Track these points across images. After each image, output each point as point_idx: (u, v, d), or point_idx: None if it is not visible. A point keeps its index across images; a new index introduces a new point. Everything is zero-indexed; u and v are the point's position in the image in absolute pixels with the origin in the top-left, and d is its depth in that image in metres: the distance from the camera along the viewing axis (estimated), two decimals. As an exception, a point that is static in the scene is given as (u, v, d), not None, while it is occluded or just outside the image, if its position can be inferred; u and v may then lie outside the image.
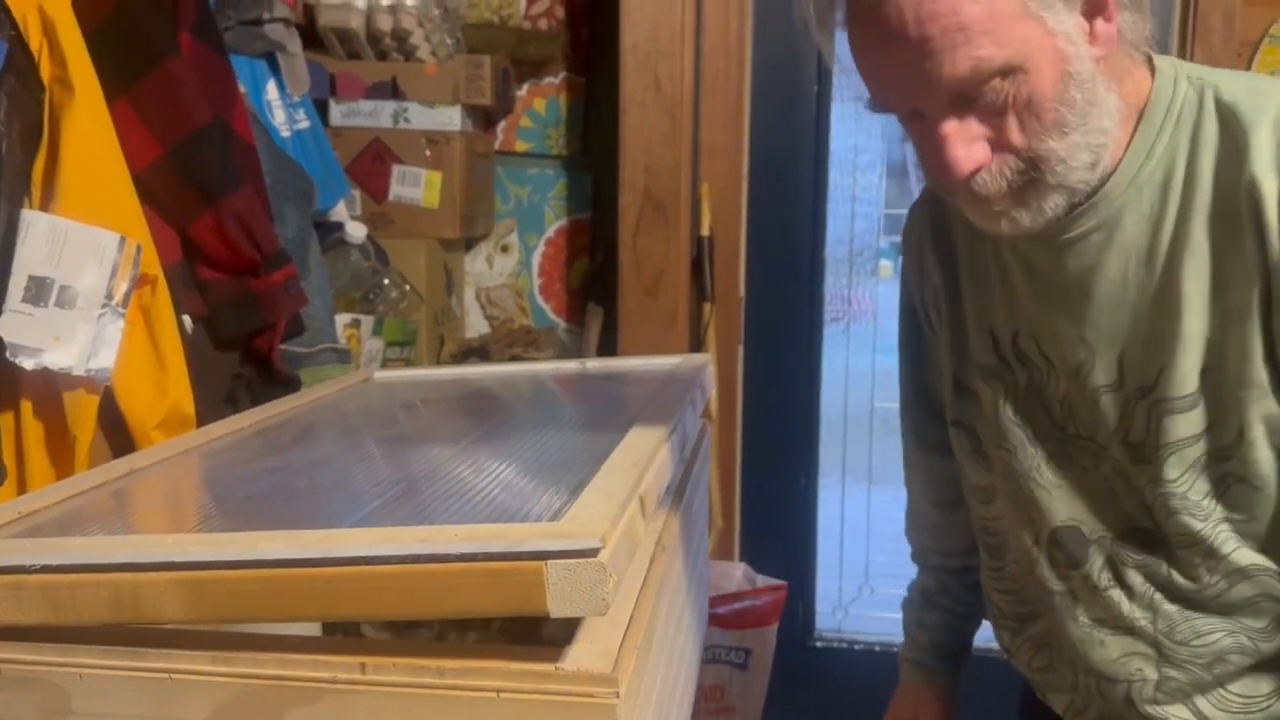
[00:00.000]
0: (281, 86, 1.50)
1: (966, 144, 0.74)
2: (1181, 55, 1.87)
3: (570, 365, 1.32)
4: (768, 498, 2.06)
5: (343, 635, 0.80)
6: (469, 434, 0.91)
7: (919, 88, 0.73)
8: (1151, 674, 0.86)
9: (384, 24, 1.72)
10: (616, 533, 0.56)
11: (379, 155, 1.77)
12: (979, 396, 0.93)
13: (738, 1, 1.90)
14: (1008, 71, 0.72)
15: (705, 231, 1.90)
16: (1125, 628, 0.86)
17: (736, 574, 1.80)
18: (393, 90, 1.77)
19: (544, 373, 1.30)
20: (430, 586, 0.53)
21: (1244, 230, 0.76)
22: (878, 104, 0.78)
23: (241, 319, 1.16)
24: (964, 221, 0.87)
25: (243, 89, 1.34)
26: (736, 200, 1.97)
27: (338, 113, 1.77)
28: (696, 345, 1.91)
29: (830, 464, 2.11)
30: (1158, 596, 0.85)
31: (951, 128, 0.74)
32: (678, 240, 1.83)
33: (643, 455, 0.72)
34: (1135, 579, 0.86)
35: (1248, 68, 1.85)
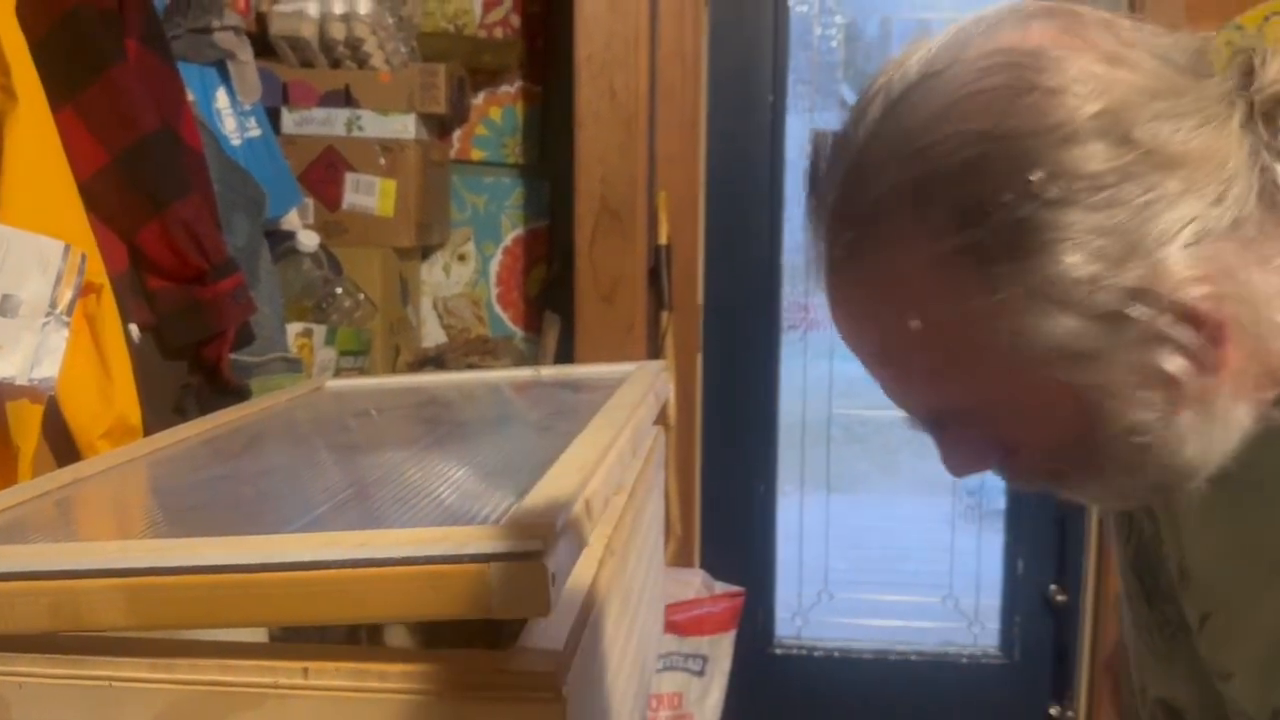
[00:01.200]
0: (232, 94, 1.49)
1: (961, 455, 0.61)
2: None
3: (524, 373, 1.33)
4: (727, 505, 2.07)
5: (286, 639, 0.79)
6: (419, 441, 0.91)
7: (898, 401, 0.62)
8: None
9: (337, 32, 1.71)
10: (560, 535, 0.57)
11: (332, 163, 1.76)
12: None
13: (693, 12, 1.92)
14: (982, 415, 0.57)
15: (663, 240, 1.91)
16: None
17: (695, 581, 1.80)
18: (346, 98, 1.76)
19: (498, 380, 1.30)
20: (373, 590, 0.53)
21: None
22: None
23: (189, 328, 1.15)
24: None
25: (192, 97, 1.33)
26: (693, 209, 1.99)
27: (290, 121, 1.76)
28: (654, 354, 1.92)
29: (789, 471, 2.13)
30: None
31: (941, 439, 0.61)
32: (635, 249, 1.84)
33: (590, 460, 0.73)
34: None
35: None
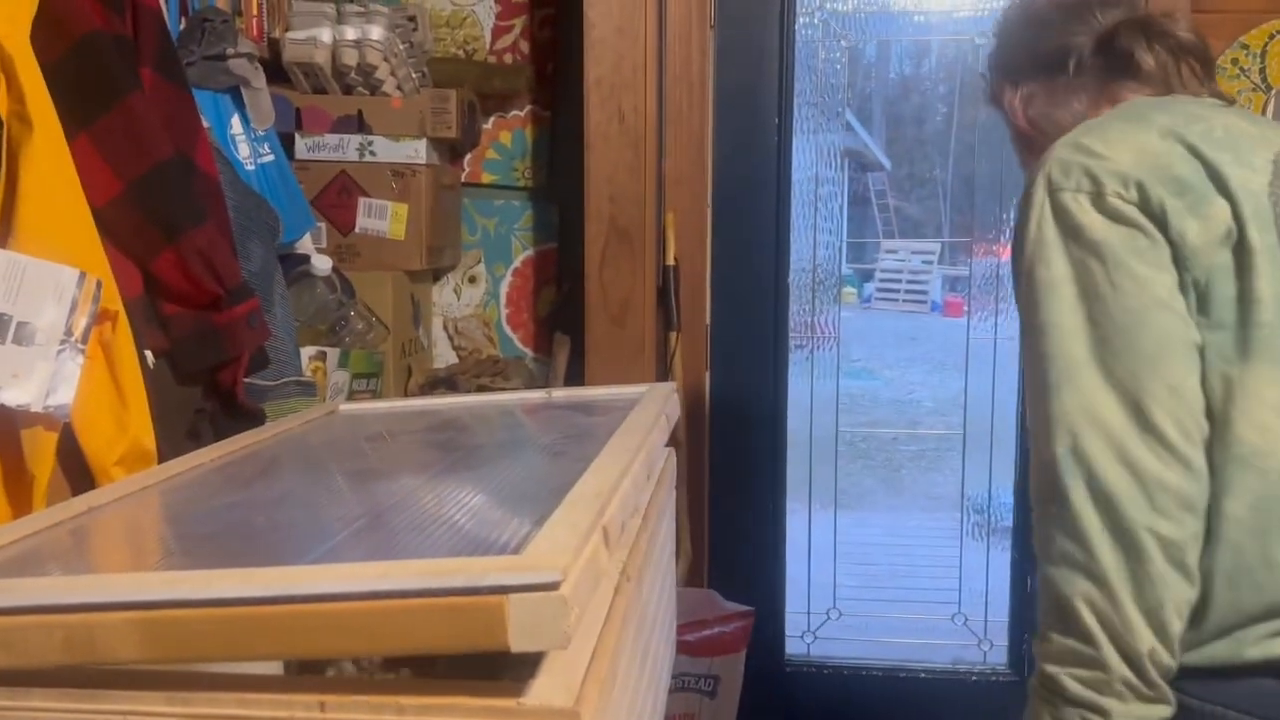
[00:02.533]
0: (246, 120, 1.50)
1: None
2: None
3: (536, 395, 1.33)
4: (736, 524, 2.06)
5: (301, 672, 0.79)
6: (433, 466, 0.91)
7: None
8: None
9: (349, 59, 1.73)
10: (578, 565, 0.56)
11: (345, 188, 1.77)
12: None
13: (700, 36, 1.93)
14: None
15: (670, 261, 1.92)
16: None
17: (705, 601, 1.80)
18: (359, 124, 1.77)
19: (510, 403, 1.30)
20: (389, 623, 0.53)
21: None
22: None
23: (204, 353, 1.15)
24: None
25: (206, 123, 1.34)
26: (701, 229, 1.99)
27: (303, 146, 1.78)
28: (663, 373, 1.92)
29: (796, 489, 2.12)
30: None
31: None
32: (643, 270, 1.85)
33: (606, 485, 0.73)
34: None
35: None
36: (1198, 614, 0.87)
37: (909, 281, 4.28)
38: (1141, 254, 0.88)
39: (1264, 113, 1.89)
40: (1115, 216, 0.89)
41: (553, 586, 0.53)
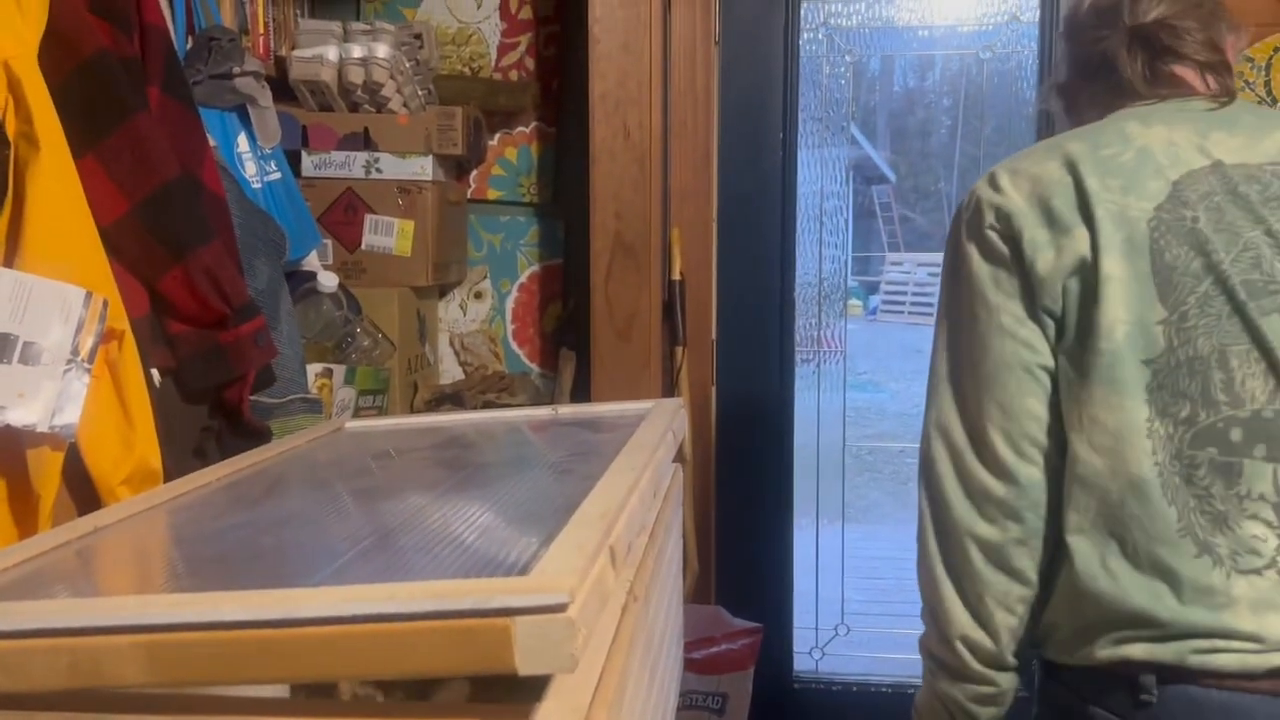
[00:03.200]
0: (252, 138, 1.51)
1: None
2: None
3: (542, 411, 1.32)
4: (743, 539, 2.06)
5: (308, 695, 0.79)
6: (439, 485, 0.91)
7: None
8: None
9: (356, 76, 1.73)
10: (585, 586, 0.56)
11: (351, 205, 1.78)
12: None
13: (704, 51, 1.94)
14: None
15: (676, 275, 1.92)
16: None
17: (713, 617, 1.79)
18: (365, 141, 1.78)
19: (516, 419, 1.30)
20: (394, 646, 0.53)
21: None
22: None
23: (210, 371, 1.15)
24: None
25: (213, 142, 1.34)
26: (706, 244, 2.00)
27: (310, 163, 1.78)
28: (669, 388, 1.92)
29: (804, 503, 2.12)
30: None
31: None
32: (649, 284, 1.85)
33: (613, 504, 0.72)
34: None
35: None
36: (1058, 618, 0.97)
37: (914, 293, 4.27)
38: (999, 283, 0.97)
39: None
40: (986, 248, 0.98)
41: (560, 608, 0.52)
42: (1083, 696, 0.95)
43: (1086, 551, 0.92)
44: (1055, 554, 0.96)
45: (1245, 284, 0.90)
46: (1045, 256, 0.94)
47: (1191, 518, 0.89)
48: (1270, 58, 1.86)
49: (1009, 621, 0.98)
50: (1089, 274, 0.93)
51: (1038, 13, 1.97)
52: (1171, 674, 0.89)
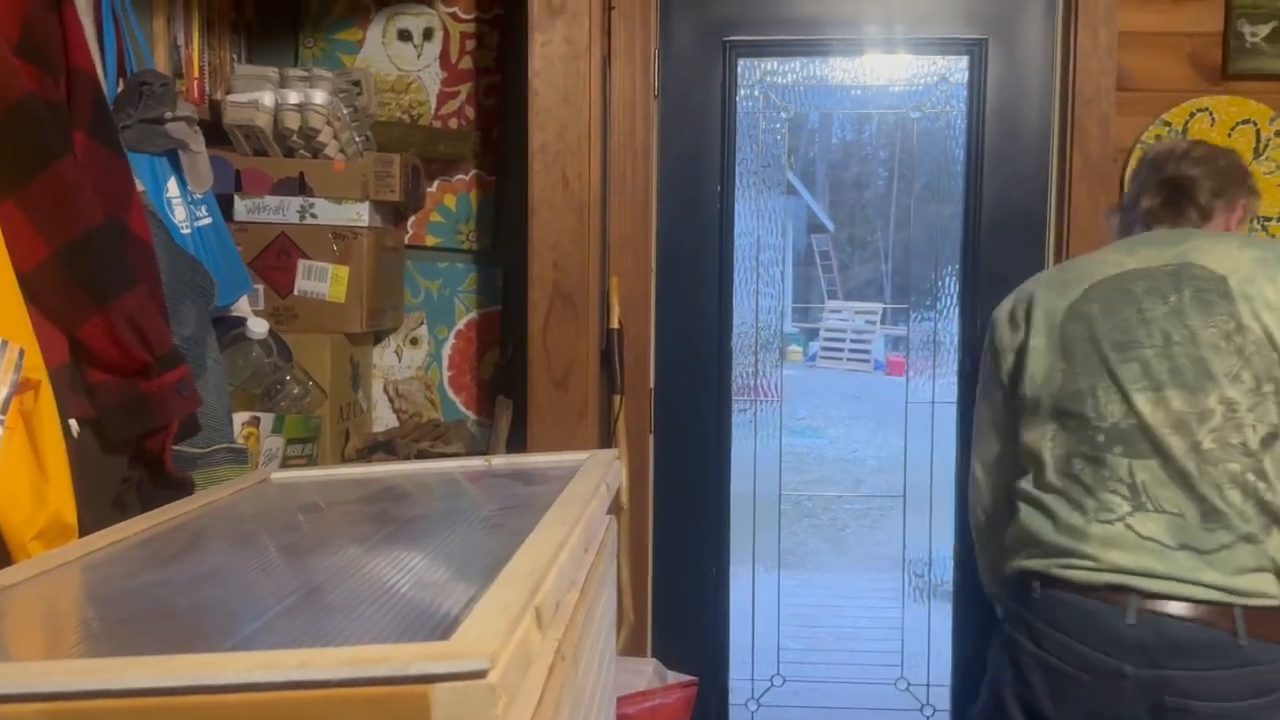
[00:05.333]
0: (183, 183, 1.48)
1: None
2: (1061, 160, 1.99)
3: (476, 462, 1.31)
4: (680, 589, 2.05)
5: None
6: (366, 540, 0.89)
7: None
8: None
9: (291, 122, 1.72)
10: (508, 650, 0.55)
11: (285, 250, 1.76)
12: None
13: (644, 105, 1.97)
14: None
15: (614, 324, 1.92)
16: None
17: (647, 671, 1.77)
18: (300, 186, 1.76)
19: (449, 471, 1.28)
20: (308, 714, 0.51)
21: None
22: None
23: (131, 422, 1.12)
24: None
25: (142, 187, 1.32)
26: (645, 293, 2.01)
27: (243, 208, 1.76)
28: (607, 437, 1.92)
29: (740, 550, 2.12)
30: None
31: None
32: (587, 333, 1.85)
33: (541, 562, 0.71)
34: None
35: (1122, 172, 1.97)
36: (1005, 546, 1.50)
37: (853, 340, 4.34)
38: (990, 367, 1.59)
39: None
40: (990, 339, 1.59)
41: (480, 674, 0.51)
42: (1007, 595, 1.47)
43: (1023, 506, 1.46)
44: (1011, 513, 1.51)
45: (1113, 344, 1.39)
46: (1006, 344, 1.55)
47: (1069, 487, 1.39)
48: (1186, 121, 1.95)
49: (991, 572, 1.66)
50: (1022, 349, 1.50)
51: (966, 74, 2.04)
52: (1046, 580, 1.37)
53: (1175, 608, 1.26)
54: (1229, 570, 1.26)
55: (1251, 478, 1.27)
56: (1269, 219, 1.98)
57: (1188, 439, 1.30)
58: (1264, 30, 1.94)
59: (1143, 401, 1.33)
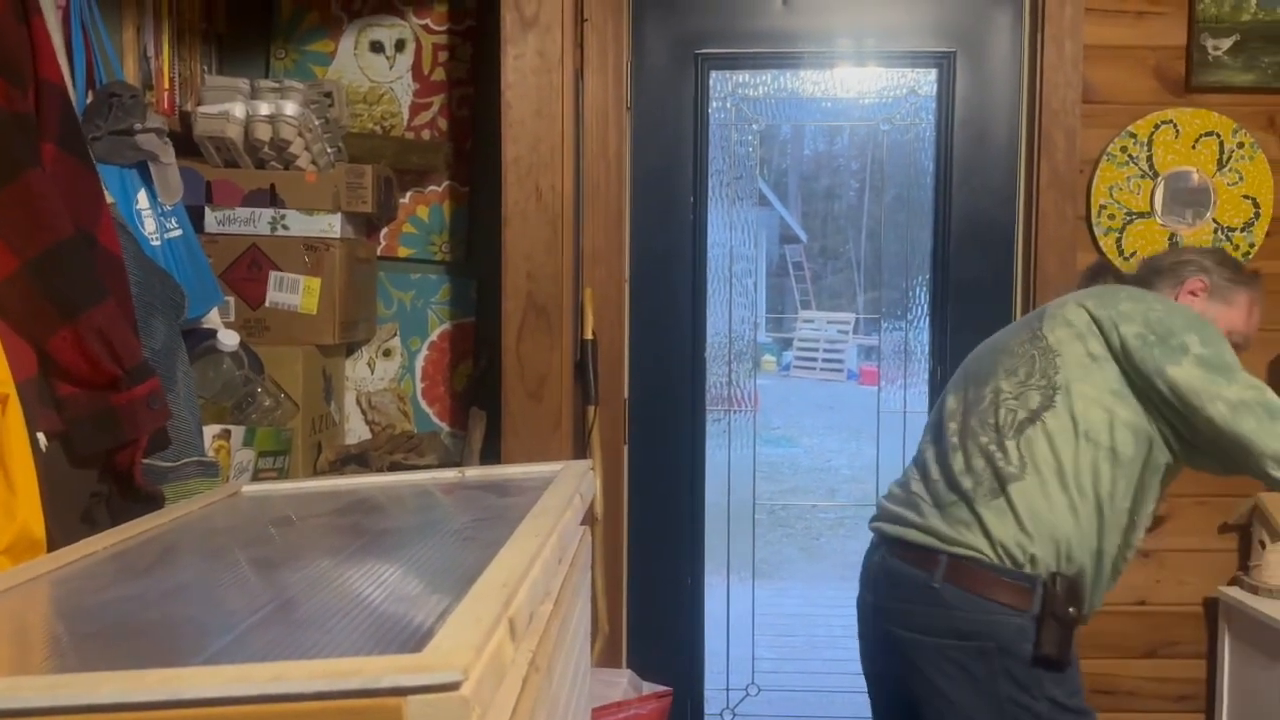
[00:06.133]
0: (153, 195, 1.48)
1: None
2: (1029, 171, 2.01)
3: (449, 474, 1.31)
4: (654, 599, 2.05)
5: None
6: (339, 553, 0.89)
7: None
8: None
9: (262, 133, 1.72)
10: (481, 662, 0.55)
11: (256, 262, 1.75)
12: None
13: (617, 117, 1.98)
14: None
15: (588, 335, 1.93)
16: None
17: (622, 682, 1.77)
18: (271, 198, 1.76)
19: (422, 483, 1.28)
20: (281, 729, 0.51)
21: None
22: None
23: (101, 435, 1.11)
24: None
25: (111, 199, 1.31)
26: (619, 304, 2.01)
27: (213, 219, 1.75)
28: (581, 447, 1.92)
29: (715, 560, 2.13)
30: None
31: None
32: (561, 344, 1.86)
33: (514, 574, 0.72)
34: None
35: (1088, 184, 2.00)
36: None
37: (826, 350, 4.37)
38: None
39: (1153, 197, 2.00)
40: None
41: (453, 686, 0.52)
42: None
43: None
44: None
45: (975, 369, 1.59)
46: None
47: (930, 465, 1.56)
48: (1151, 134, 1.98)
49: None
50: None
51: (935, 86, 2.07)
52: (880, 537, 1.57)
53: (898, 549, 1.50)
54: (951, 523, 1.46)
55: (993, 449, 1.47)
56: (1233, 229, 2.02)
57: (962, 420, 1.55)
58: (1226, 44, 1.98)
59: (951, 399, 1.60)
